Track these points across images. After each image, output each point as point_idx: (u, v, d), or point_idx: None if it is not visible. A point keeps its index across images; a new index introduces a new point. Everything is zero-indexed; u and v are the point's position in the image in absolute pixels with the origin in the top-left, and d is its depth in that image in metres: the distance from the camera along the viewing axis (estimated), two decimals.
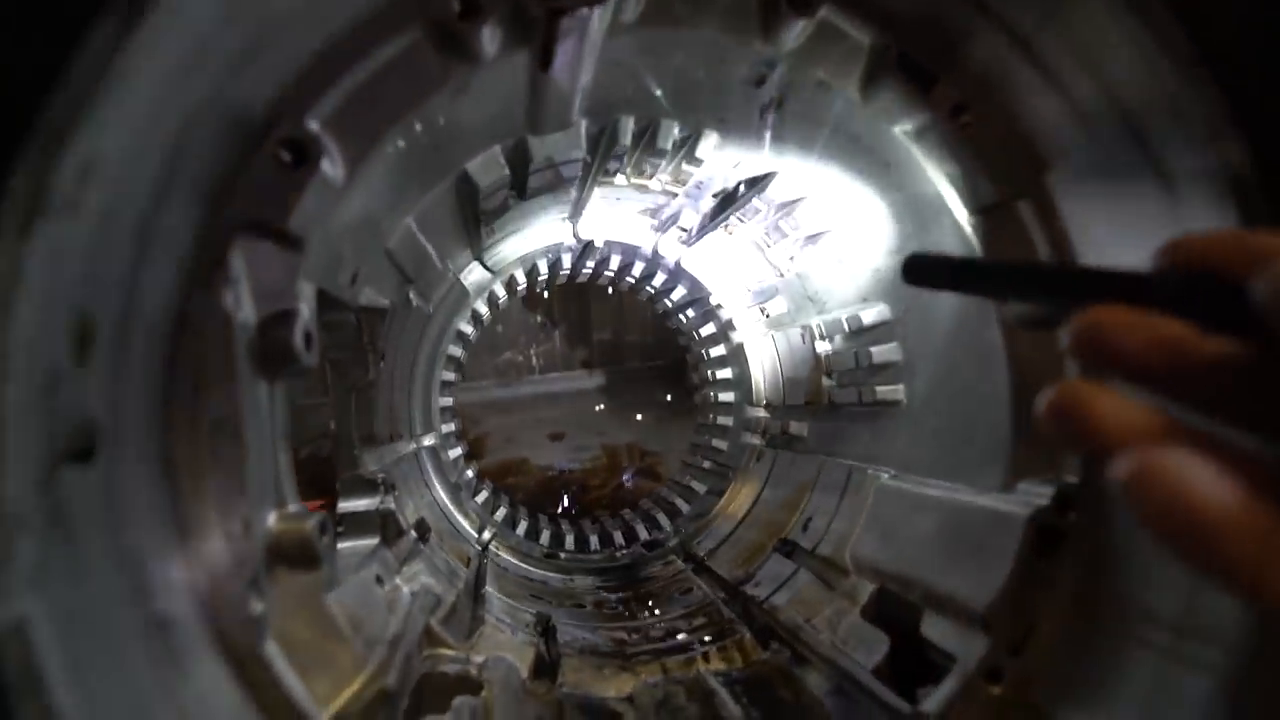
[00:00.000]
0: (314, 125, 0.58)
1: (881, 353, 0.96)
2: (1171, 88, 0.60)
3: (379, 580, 0.76)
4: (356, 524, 0.81)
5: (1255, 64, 0.57)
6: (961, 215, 0.78)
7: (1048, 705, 0.68)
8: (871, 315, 0.97)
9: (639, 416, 2.82)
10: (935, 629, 0.77)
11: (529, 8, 0.62)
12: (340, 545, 0.81)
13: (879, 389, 0.97)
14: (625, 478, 2.31)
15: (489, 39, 0.64)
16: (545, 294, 2.54)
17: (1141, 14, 0.59)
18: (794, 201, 0.98)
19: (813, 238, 1.00)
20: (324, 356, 0.78)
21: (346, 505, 0.82)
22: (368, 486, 0.83)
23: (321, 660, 0.58)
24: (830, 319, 1.07)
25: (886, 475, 0.95)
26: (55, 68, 0.37)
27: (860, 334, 1.01)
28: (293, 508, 0.60)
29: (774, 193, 1.00)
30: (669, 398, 2.86)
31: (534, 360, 3.00)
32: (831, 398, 1.11)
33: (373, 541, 0.80)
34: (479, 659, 0.79)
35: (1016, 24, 0.65)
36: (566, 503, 2.15)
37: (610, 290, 1.89)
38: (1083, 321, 0.26)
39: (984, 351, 0.82)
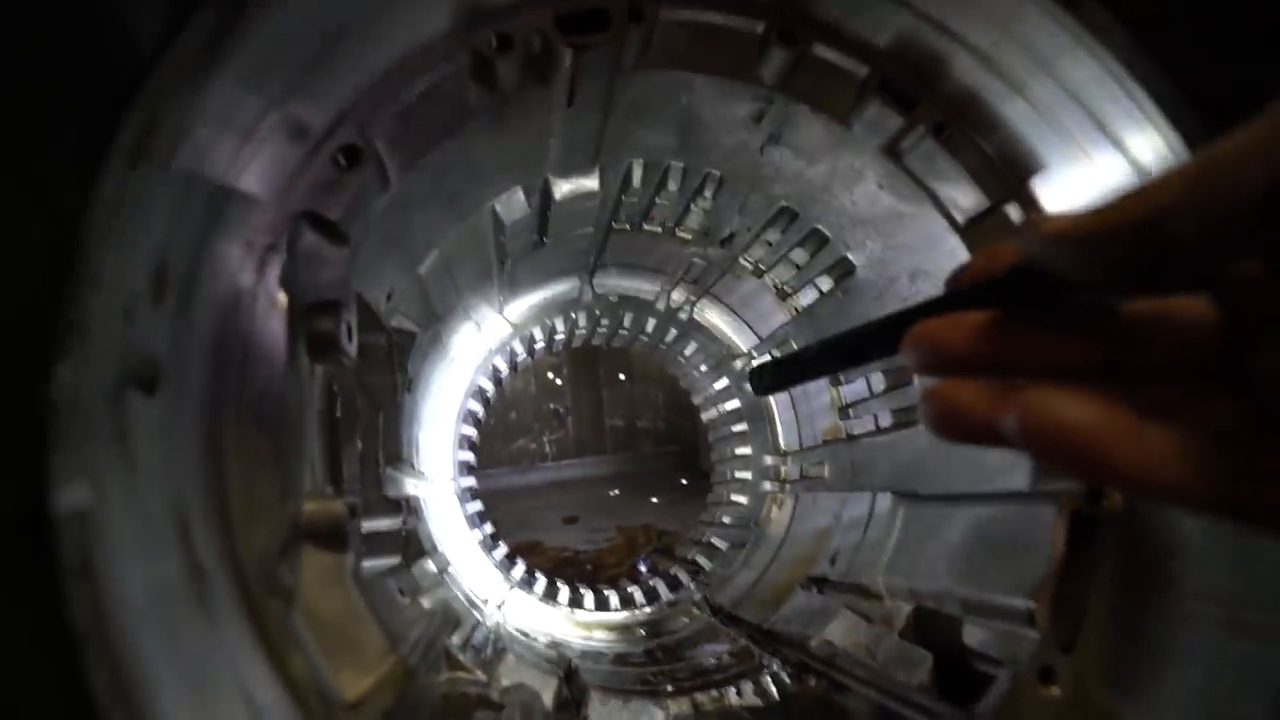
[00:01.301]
0: (368, 135, 0.65)
1: (892, 380, 0.98)
2: (1116, 73, 0.67)
3: (401, 592, 0.74)
4: (379, 543, 0.80)
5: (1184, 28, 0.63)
6: (953, 225, 0.83)
7: (1111, 702, 0.64)
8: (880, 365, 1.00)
9: (654, 500, 2.77)
10: (978, 636, 0.73)
11: (555, 44, 0.71)
12: (364, 564, 0.80)
13: (895, 411, 0.98)
14: (641, 565, 2.23)
15: (516, 71, 0.72)
16: (560, 351, 2.58)
17: (1075, 13, 0.67)
18: (800, 236, 1.04)
19: (819, 269, 1.05)
20: (357, 372, 0.82)
21: (370, 525, 0.81)
22: (391, 506, 0.83)
23: (346, 643, 0.57)
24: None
25: (911, 497, 0.94)
26: (166, 39, 0.43)
27: (873, 370, 1.03)
28: (327, 489, 0.61)
29: (780, 227, 1.06)
30: (684, 481, 2.82)
31: (547, 447, 3.00)
32: (848, 430, 1.12)
33: (394, 560, 0.79)
34: (502, 684, 0.76)
35: (978, 43, 0.74)
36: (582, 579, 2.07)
37: (622, 373, 1.94)
38: (907, 342, 0.30)
39: None
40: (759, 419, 1.42)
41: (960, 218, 0.83)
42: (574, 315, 1.43)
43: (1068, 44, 0.67)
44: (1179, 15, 0.62)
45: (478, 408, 1.37)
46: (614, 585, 1.82)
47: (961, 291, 0.31)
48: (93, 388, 0.38)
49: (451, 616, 0.75)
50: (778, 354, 1.28)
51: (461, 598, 0.89)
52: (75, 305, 0.37)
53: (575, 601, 1.33)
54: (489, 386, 1.38)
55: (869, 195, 0.91)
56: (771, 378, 0.43)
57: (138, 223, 0.43)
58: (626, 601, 1.35)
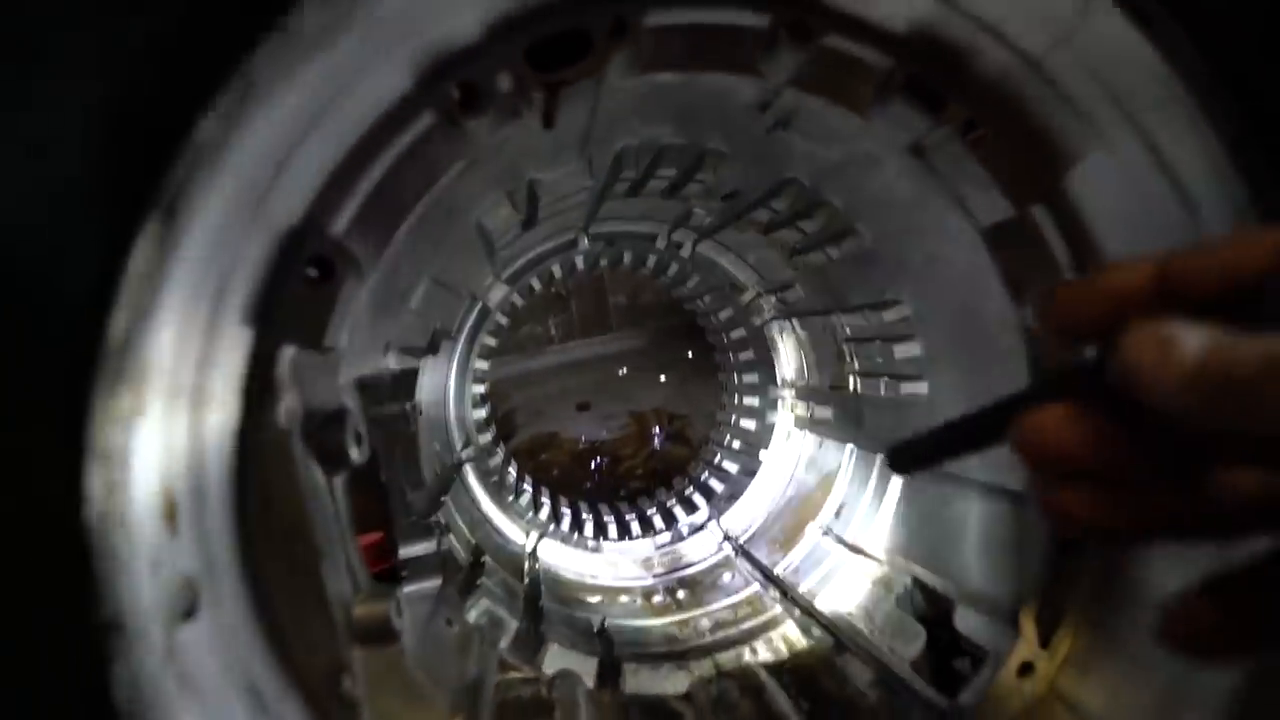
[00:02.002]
0: (337, 233, 0.60)
1: (904, 350, 0.97)
2: (1185, 100, 0.58)
3: (449, 623, 0.82)
4: (419, 567, 0.87)
5: (1265, 82, 0.55)
6: (976, 227, 0.77)
7: (1073, 694, 0.73)
8: (892, 314, 0.98)
9: (662, 378, 2.86)
10: (967, 623, 0.82)
11: (528, 85, 0.62)
12: (407, 588, 0.87)
13: (902, 386, 0.99)
14: (656, 442, 2.38)
15: (493, 120, 0.64)
16: (562, 291, 2.54)
17: (1147, 28, 0.57)
18: (807, 206, 0.97)
19: (828, 238, 1.00)
20: (365, 415, 0.82)
21: (407, 551, 0.88)
22: (424, 531, 0.89)
23: None
24: (851, 316, 1.08)
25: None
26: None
27: (881, 331, 1.02)
28: (368, 589, 0.66)
29: (788, 197, 0.99)
30: (690, 354, 2.89)
31: (553, 330, 3.04)
32: (856, 388, 1.13)
33: (436, 582, 0.87)
34: (547, 676, 0.87)
35: (1027, 45, 0.63)
36: (599, 478, 2.23)
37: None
38: (1017, 441, 0.28)
39: (1005, 349, 0.83)
40: (766, 352, 1.43)
41: (984, 220, 0.77)
42: (573, 259, 1.38)
43: (1132, 57, 0.58)
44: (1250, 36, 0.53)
45: (484, 365, 1.38)
46: (632, 478, 1.97)
47: (1074, 374, 0.29)
48: (146, 670, 0.40)
49: (496, 634, 0.83)
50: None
51: (499, 589, 0.99)
52: (108, 606, 0.39)
53: (600, 529, 1.45)
54: (492, 342, 1.38)
55: (886, 182, 0.84)
56: (911, 460, 0.41)
57: (140, 472, 0.42)
58: (646, 525, 1.48)
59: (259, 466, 0.57)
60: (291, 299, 0.58)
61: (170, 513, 0.46)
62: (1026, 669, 0.75)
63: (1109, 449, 0.27)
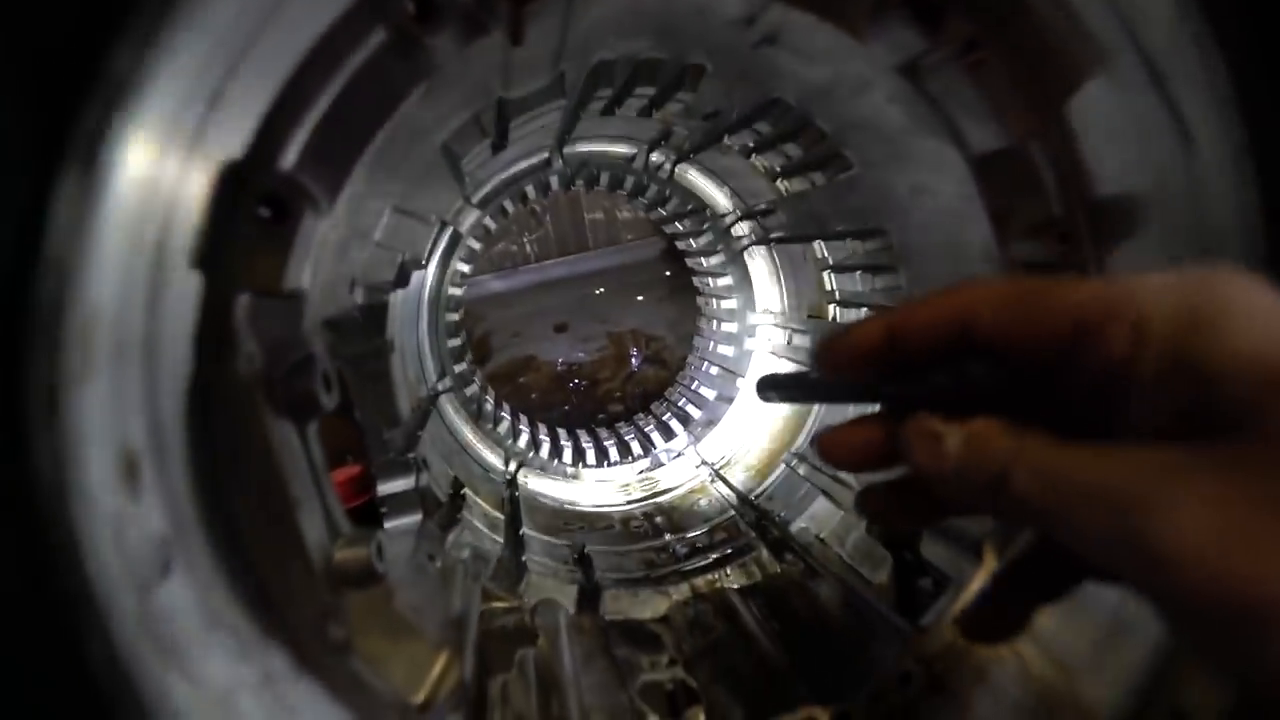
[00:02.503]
0: (287, 167, 0.55)
1: (885, 281, 0.96)
2: (1196, 28, 0.55)
3: (431, 558, 0.84)
4: (398, 504, 0.87)
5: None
6: (965, 156, 0.74)
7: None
8: (874, 244, 0.96)
9: (639, 298, 2.83)
10: (933, 550, 0.85)
11: (491, 3, 0.55)
12: (387, 525, 0.88)
13: (880, 308, 0.98)
14: (634, 363, 2.38)
15: (453, 35, 0.57)
16: (536, 209, 2.44)
17: None
18: (792, 128, 0.92)
19: (813, 163, 0.95)
20: (335, 354, 0.80)
21: (386, 488, 0.88)
22: (403, 467, 0.88)
23: (401, 658, 0.67)
24: (832, 242, 1.05)
25: None
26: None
27: (863, 259, 1.00)
28: (348, 533, 0.66)
29: (772, 119, 0.94)
30: (667, 273, 2.85)
31: (529, 248, 2.95)
32: (835, 317, 1.12)
33: (416, 518, 0.87)
34: (529, 604, 0.90)
35: None
36: (578, 400, 2.24)
37: None
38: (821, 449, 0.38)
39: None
40: (745, 278, 1.40)
41: (976, 149, 0.73)
42: (547, 179, 1.31)
43: None
44: None
45: (458, 292, 1.34)
46: (611, 400, 1.98)
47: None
48: (122, 639, 0.40)
49: (479, 567, 0.85)
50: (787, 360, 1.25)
51: (480, 520, 1.00)
52: (74, 579, 0.37)
53: (578, 455, 1.47)
54: (465, 269, 1.34)
55: (875, 106, 0.79)
56: (775, 393, 0.47)
57: (93, 436, 0.40)
58: (624, 451, 1.50)
59: (224, 419, 0.54)
60: (243, 241, 0.53)
61: (131, 474, 0.44)
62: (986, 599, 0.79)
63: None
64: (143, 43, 0.37)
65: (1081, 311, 0.28)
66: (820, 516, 1.03)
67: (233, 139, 0.50)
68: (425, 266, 1.14)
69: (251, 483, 0.57)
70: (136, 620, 0.42)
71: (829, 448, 0.37)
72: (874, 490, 0.38)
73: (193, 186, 0.49)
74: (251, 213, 0.53)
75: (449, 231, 1.17)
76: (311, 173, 0.56)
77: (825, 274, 1.12)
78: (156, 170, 0.43)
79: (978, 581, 0.79)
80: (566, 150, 1.19)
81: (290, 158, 0.54)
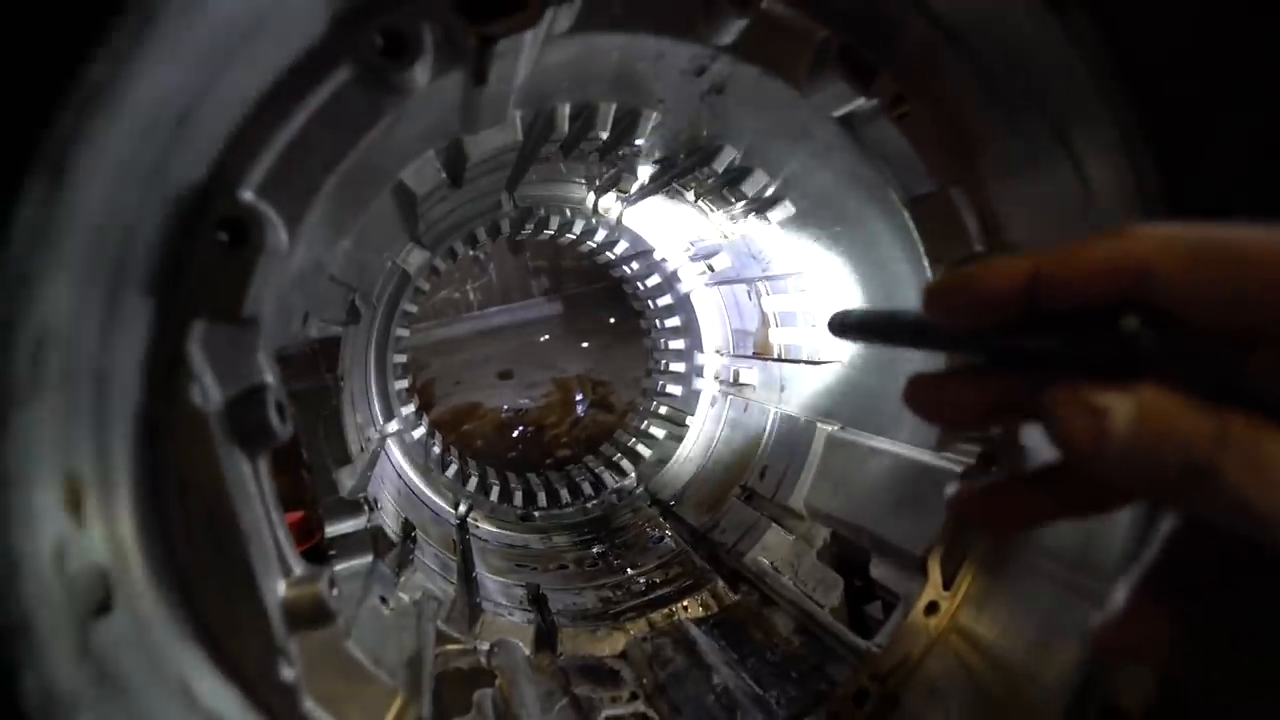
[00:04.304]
0: (249, 196, 0.55)
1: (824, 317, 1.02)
2: (1089, 93, 0.63)
3: (384, 600, 0.80)
4: (348, 545, 0.84)
5: (1164, 75, 0.60)
6: (898, 199, 0.81)
7: (970, 627, 0.82)
8: (814, 281, 1.02)
9: (584, 345, 2.85)
10: (881, 571, 0.89)
11: (459, 39, 0.58)
12: (337, 567, 0.84)
13: (822, 355, 1.03)
14: (580, 409, 2.38)
15: (419, 71, 0.60)
16: (480, 256, 2.46)
17: (1062, 17, 0.61)
18: (738, 173, 0.98)
19: (757, 208, 1.02)
20: (287, 389, 0.78)
21: (335, 529, 0.84)
22: (352, 508, 0.85)
23: (357, 701, 0.63)
24: (775, 282, 1.11)
25: (834, 427, 1.04)
26: None
27: (803, 296, 1.06)
28: (299, 571, 0.63)
29: (717, 164, 1.00)
30: (612, 320, 2.89)
31: (472, 295, 2.94)
32: (780, 355, 1.18)
33: (367, 559, 0.84)
34: (485, 646, 0.87)
35: (953, 22, 0.66)
36: (525, 447, 2.21)
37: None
38: (919, 403, 0.32)
39: None
40: (692, 319, 1.45)
41: (907, 194, 0.80)
42: (496, 221, 1.33)
43: (1044, 43, 0.62)
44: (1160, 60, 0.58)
45: (404, 332, 1.32)
46: (559, 446, 1.97)
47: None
48: (63, 669, 0.37)
49: (432, 608, 0.82)
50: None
51: (434, 562, 0.97)
52: (11, 609, 0.35)
53: (529, 498, 1.44)
54: (413, 309, 1.33)
55: (815, 152, 0.86)
56: (857, 332, 0.41)
57: (31, 469, 0.38)
58: (576, 492, 1.49)
59: (173, 447, 0.52)
60: (201, 266, 0.53)
61: (75, 500, 0.42)
62: (932, 608, 0.83)
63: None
64: (122, 55, 0.37)
65: None
66: (772, 545, 1.05)
67: (198, 159, 0.50)
68: (376, 305, 1.13)
69: (200, 514, 0.54)
70: (75, 654, 0.39)
71: (923, 399, 0.31)
72: (969, 497, 0.31)
73: (154, 208, 0.48)
74: (211, 237, 0.53)
75: (398, 271, 1.17)
76: (273, 200, 0.57)
77: (770, 313, 1.18)
78: (121, 186, 0.43)
79: (924, 598, 0.83)
80: (517, 193, 1.22)
81: (254, 183, 0.55)
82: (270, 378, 0.62)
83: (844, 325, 0.40)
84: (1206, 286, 0.23)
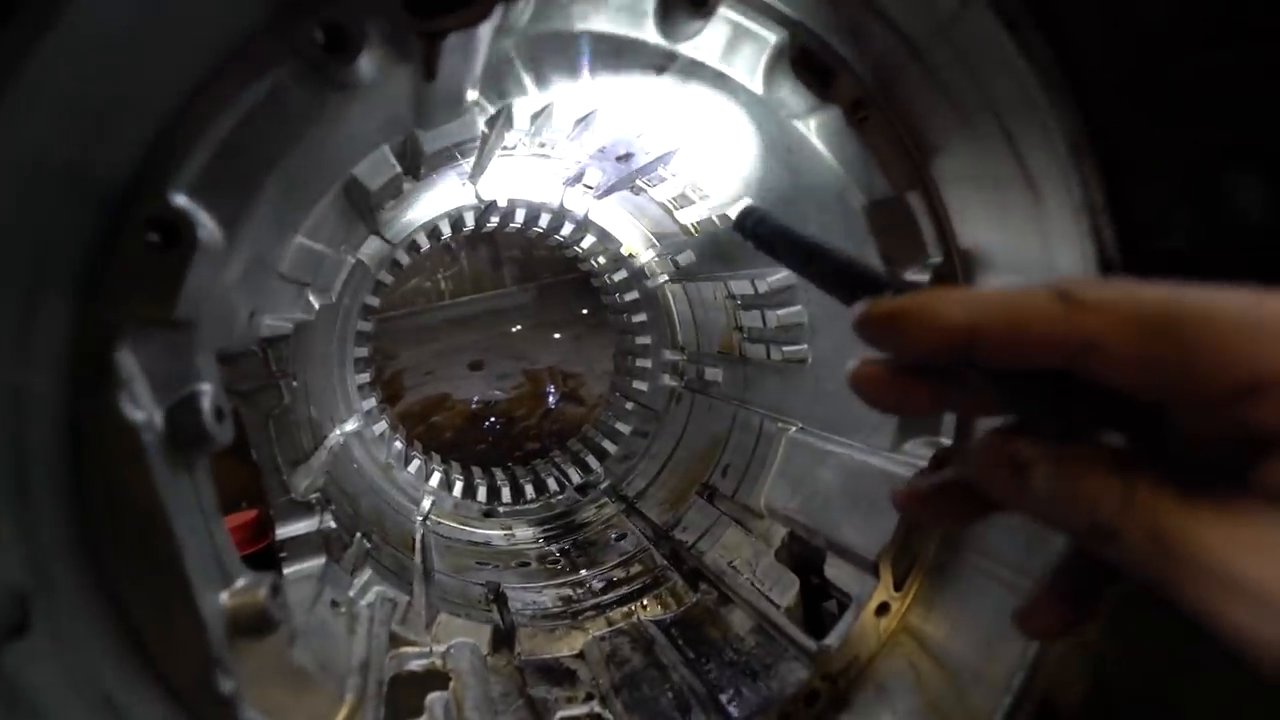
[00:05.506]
0: (180, 197, 0.52)
1: (787, 315, 1.02)
2: (1040, 107, 0.64)
3: (334, 604, 0.79)
4: (299, 547, 0.82)
5: (1109, 87, 0.61)
6: (856, 203, 0.81)
7: (920, 628, 0.83)
8: (777, 278, 1.02)
9: (556, 336, 2.83)
10: (835, 571, 0.90)
11: (405, 33, 0.56)
12: (287, 570, 0.83)
13: (785, 349, 1.04)
14: (551, 400, 2.37)
15: (365, 67, 0.58)
16: (451, 245, 2.42)
17: (1015, 34, 0.61)
18: (699, 175, 0.98)
19: (720, 207, 1.01)
20: (230, 390, 0.76)
21: (285, 531, 0.83)
22: (304, 509, 0.84)
23: (301, 711, 0.62)
24: (739, 279, 1.11)
25: (795, 428, 1.04)
26: None
27: (766, 295, 1.06)
28: (241, 581, 0.62)
29: (679, 164, 0.99)
30: (584, 311, 2.87)
31: (443, 285, 2.89)
32: (743, 351, 1.18)
33: (319, 561, 0.83)
34: (441, 648, 0.86)
35: (911, 31, 0.66)
36: (494, 439, 2.20)
37: None
38: (873, 323, 0.30)
39: None
40: (659, 315, 1.45)
41: (864, 198, 0.81)
42: (460, 215, 1.31)
43: (1000, 54, 0.62)
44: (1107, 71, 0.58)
45: (367, 326, 1.30)
46: (528, 439, 1.96)
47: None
48: None
49: (387, 611, 0.81)
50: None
51: (390, 563, 0.96)
52: None
53: (493, 494, 1.43)
54: (374, 302, 1.30)
55: (775, 152, 0.85)
56: (754, 230, 0.40)
57: None
58: (540, 487, 1.48)
59: (99, 456, 0.50)
60: (129, 268, 0.51)
61: None
62: (883, 609, 0.84)
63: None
64: (20, 48, 0.35)
65: (1254, 376, 0.21)
66: (731, 544, 1.06)
67: (120, 159, 0.48)
68: (334, 300, 1.10)
69: (132, 527, 0.53)
70: None
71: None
72: (917, 495, 0.34)
73: (74, 210, 0.46)
74: (139, 239, 0.51)
75: (357, 265, 1.14)
76: (207, 200, 0.54)
77: (735, 310, 1.18)
78: (32, 185, 0.41)
79: (876, 599, 0.84)
80: (482, 187, 1.20)
81: (185, 183, 0.52)
82: (208, 380, 0.60)
83: (755, 231, 0.39)
84: (1152, 368, 0.23)
